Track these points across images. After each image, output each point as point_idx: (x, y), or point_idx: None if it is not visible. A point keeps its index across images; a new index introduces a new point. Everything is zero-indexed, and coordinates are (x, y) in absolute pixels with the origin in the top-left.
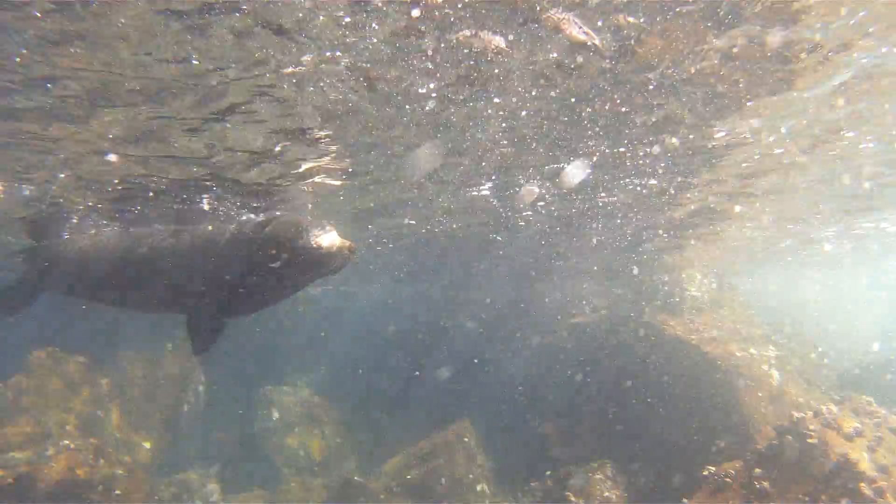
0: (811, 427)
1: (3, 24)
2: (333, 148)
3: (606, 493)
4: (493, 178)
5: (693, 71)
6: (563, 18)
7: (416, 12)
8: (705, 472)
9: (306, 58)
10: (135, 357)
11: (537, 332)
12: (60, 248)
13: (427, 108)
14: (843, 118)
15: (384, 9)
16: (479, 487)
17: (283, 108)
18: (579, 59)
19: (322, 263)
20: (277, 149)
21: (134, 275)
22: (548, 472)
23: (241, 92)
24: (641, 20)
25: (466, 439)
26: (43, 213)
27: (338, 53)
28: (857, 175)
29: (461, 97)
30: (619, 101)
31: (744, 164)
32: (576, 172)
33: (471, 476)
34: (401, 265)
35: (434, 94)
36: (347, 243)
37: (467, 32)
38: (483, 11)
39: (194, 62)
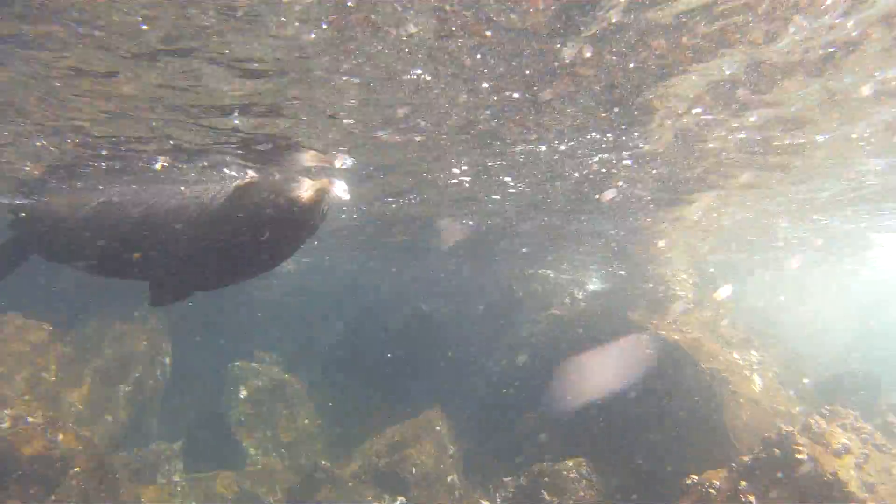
0: (800, 442)
1: None
2: None
3: (581, 493)
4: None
5: None
6: None
7: None
8: (688, 482)
9: None
10: (100, 327)
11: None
12: (41, 211)
13: None
14: None
15: None
16: (449, 479)
17: None
18: None
19: (304, 220)
20: None
21: (110, 241)
22: (522, 468)
23: None
24: None
25: (438, 428)
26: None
27: None
28: None
29: None
30: None
31: None
32: None
33: (441, 466)
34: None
35: None
36: (318, 184)
37: None
38: None
39: None
